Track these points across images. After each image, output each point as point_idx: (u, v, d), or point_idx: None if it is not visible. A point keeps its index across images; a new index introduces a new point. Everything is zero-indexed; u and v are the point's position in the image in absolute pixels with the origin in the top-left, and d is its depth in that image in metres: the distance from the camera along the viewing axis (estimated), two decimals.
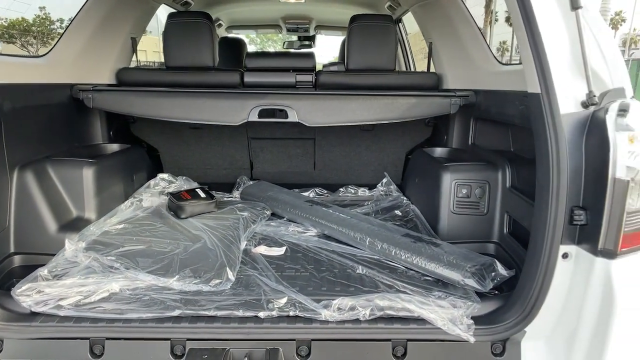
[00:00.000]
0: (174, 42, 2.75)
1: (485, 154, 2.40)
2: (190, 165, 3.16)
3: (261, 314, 1.57)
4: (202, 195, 2.50)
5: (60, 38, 2.48)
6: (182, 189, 2.59)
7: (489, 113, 2.37)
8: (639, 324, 1.34)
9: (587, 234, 1.35)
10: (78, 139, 2.58)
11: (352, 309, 1.57)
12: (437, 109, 2.54)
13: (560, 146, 1.34)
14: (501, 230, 2.16)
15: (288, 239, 2.28)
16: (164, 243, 2.03)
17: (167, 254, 1.93)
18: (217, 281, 1.73)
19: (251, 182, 3.04)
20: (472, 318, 1.55)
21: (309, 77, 2.77)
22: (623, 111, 1.25)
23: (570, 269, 1.41)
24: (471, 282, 1.73)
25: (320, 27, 5.40)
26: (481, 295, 1.70)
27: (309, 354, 1.54)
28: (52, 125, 2.31)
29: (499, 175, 2.17)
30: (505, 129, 2.26)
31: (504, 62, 2.56)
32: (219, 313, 1.58)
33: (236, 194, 2.91)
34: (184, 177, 2.89)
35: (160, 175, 2.81)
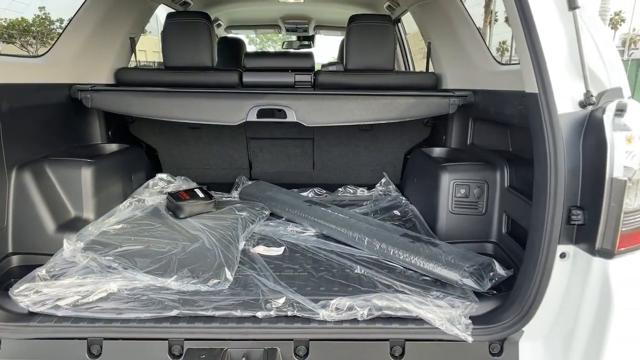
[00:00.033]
0: (172, 42, 2.74)
1: (484, 154, 2.40)
2: (189, 165, 3.16)
3: (259, 314, 1.57)
4: (201, 195, 2.50)
5: (58, 38, 2.48)
6: (181, 189, 2.59)
7: (488, 113, 2.37)
8: (637, 324, 1.34)
9: (584, 234, 1.35)
10: (76, 139, 2.58)
11: (350, 308, 1.57)
12: (436, 109, 2.54)
13: (558, 146, 1.34)
14: (499, 230, 2.16)
15: (287, 238, 2.28)
16: (162, 243, 2.03)
17: (165, 254, 1.93)
18: (215, 281, 1.73)
19: (250, 182, 3.04)
20: (470, 318, 1.54)
21: (307, 77, 2.77)
22: (620, 111, 1.25)
23: (567, 269, 1.41)
24: (469, 282, 1.73)
25: (320, 27, 5.40)
26: (479, 295, 1.70)
27: (307, 354, 1.54)
28: (50, 125, 2.31)
29: (498, 175, 2.17)
30: (504, 129, 2.26)
31: (503, 62, 2.57)
32: (217, 313, 1.58)
33: (235, 194, 2.91)
34: (183, 177, 2.89)
35: (159, 175, 2.81)
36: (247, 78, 2.76)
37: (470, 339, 1.48)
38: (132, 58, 3.07)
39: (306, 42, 5.85)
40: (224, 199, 2.82)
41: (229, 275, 1.79)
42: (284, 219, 2.53)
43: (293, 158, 3.21)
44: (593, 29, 1.39)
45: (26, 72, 2.16)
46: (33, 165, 2.05)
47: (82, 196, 2.17)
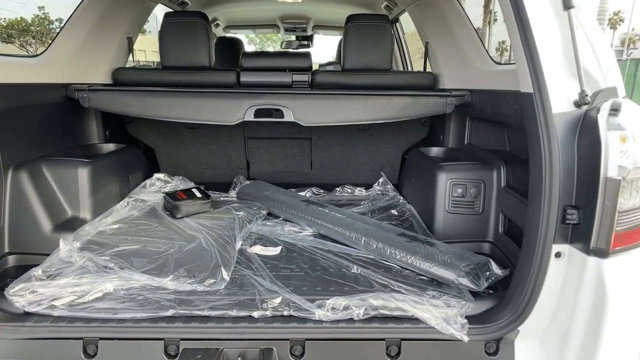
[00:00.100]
0: (170, 42, 2.74)
1: (481, 154, 2.40)
2: (187, 165, 3.16)
3: (255, 314, 1.57)
4: (198, 195, 2.50)
5: (55, 37, 2.48)
6: (178, 189, 2.59)
7: (485, 113, 2.38)
8: (631, 322, 1.34)
9: (579, 233, 1.36)
10: (73, 138, 2.58)
11: (346, 308, 1.57)
12: (433, 109, 2.54)
13: (553, 145, 1.34)
14: (496, 230, 2.16)
15: (284, 238, 2.28)
16: (159, 243, 2.03)
17: (161, 253, 1.93)
18: (212, 281, 1.73)
19: (248, 182, 3.04)
20: (466, 317, 1.55)
21: (305, 77, 2.77)
22: (615, 110, 1.26)
23: (563, 268, 1.41)
24: (465, 282, 1.73)
25: (318, 26, 5.40)
26: (475, 295, 1.70)
27: (302, 354, 1.54)
28: (47, 125, 2.31)
29: (494, 175, 2.17)
30: (501, 129, 2.26)
31: (503, 61, 2.57)
32: (213, 313, 1.58)
33: (233, 193, 2.91)
34: (180, 177, 2.89)
35: (156, 175, 2.81)
36: (245, 78, 2.76)
37: (466, 339, 1.49)
38: (130, 58, 3.07)
39: (305, 42, 5.85)
40: (221, 198, 2.82)
41: (226, 275, 1.79)
42: (281, 218, 2.53)
43: (291, 158, 3.21)
44: (588, 29, 1.39)
45: (23, 72, 2.16)
46: (30, 165, 2.05)
47: (79, 196, 2.17)
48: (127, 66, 3.01)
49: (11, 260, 1.96)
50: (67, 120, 2.52)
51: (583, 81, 1.34)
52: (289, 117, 2.48)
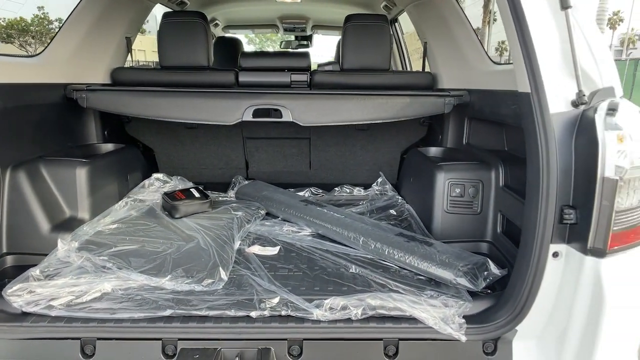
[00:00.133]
0: (168, 41, 2.74)
1: (479, 154, 2.40)
2: (186, 165, 3.16)
3: (253, 314, 1.57)
4: (197, 195, 2.50)
5: (54, 37, 2.48)
6: (177, 189, 2.59)
7: (483, 113, 2.38)
8: (628, 322, 1.34)
9: (577, 233, 1.36)
10: (72, 138, 2.58)
11: (344, 308, 1.57)
12: (431, 109, 2.54)
13: (550, 145, 1.34)
14: (494, 230, 2.16)
15: (282, 238, 2.28)
16: (157, 243, 2.03)
17: (160, 253, 1.93)
18: (210, 281, 1.73)
19: (246, 182, 3.04)
20: (464, 317, 1.55)
21: (303, 77, 2.77)
22: (612, 110, 1.26)
23: (560, 268, 1.41)
24: (463, 281, 1.73)
25: (317, 26, 5.40)
26: (473, 295, 1.70)
27: (300, 354, 1.54)
28: (45, 125, 2.31)
29: (492, 175, 2.17)
30: (499, 129, 2.26)
31: (502, 61, 2.57)
32: (211, 313, 1.58)
33: (231, 193, 2.91)
34: (179, 177, 2.89)
35: (155, 175, 2.81)
36: (243, 78, 2.76)
37: (463, 338, 1.49)
38: (129, 58, 3.07)
39: (304, 42, 5.85)
40: (220, 198, 2.82)
41: (224, 275, 1.79)
42: (279, 218, 2.53)
43: (290, 158, 3.21)
44: (585, 29, 1.39)
45: (21, 72, 2.15)
46: (28, 165, 2.05)
47: (77, 196, 2.17)
48: (125, 66, 3.01)
49: (9, 260, 1.96)
50: (66, 120, 2.52)
51: (580, 81, 1.34)
52: (287, 117, 2.48)
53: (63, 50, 2.46)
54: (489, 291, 1.76)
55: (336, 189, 2.98)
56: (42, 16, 38.25)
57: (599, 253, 1.30)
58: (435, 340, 1.54)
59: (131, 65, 3.60)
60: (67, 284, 1.66)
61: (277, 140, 3.14)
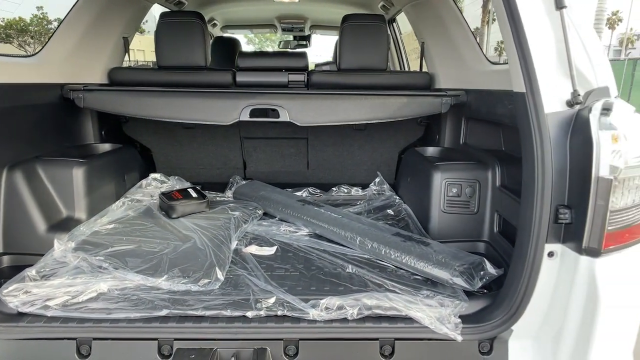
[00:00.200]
0: (165, 41, 2.74)
1: (476, 153, 2.40)
2: (184, 165, 3.16)
3: (249, 314, 1.57)
4: (194, 195, 2.50)
5: (51, 37, 2.48)
6: (174, 189, 2.59)
7: (480, 112, 2.38)
8: (623, 322, 1.35)
9: (572, 233, 1.36)
10: (69, 139, 2.57)
11: (340, 308, 1.57)
12: (428, 109, 2.55)
13: (545, 145, 1.34)
14: (491, 229, 2.16)
15: (279, 238, 2.28)
16: (153, 243, 2.03)
17: (156, 253, 1.93)
18: (206, 281, 1.73)
19: (244, 182, 3.04)
20: (460, 317, 1.55)
21: (301, 77, 2.77)
22: (606, 110, 1.26)
23: (555, 268, 1.41)
24: (459, 281, 1.73)
25: (316, 26, 5.40)
26: (469, 294, 1.70)
27: (296, 354, 1.54)
28: (42, 125, 2.31)
29: (489, 175, 2.17)
30: (496, 128, 2.27)
31: (501, 61, 2.57)
32: (207, 313, 1.58)
33: (229, 193, 2.91)
34: (177, 177, 2.89)
35: (152, 175, 2.81)
36: (241, 78, 2.76)
37: (459, 338, 1.49)
38: (126, 58, 3.06)
39: (303, 42, 5.85)
40: (217, 198, 2.82)
41: (220, 275, 1.79)
42: (277, 218, 2.53)
43: (287, 158, 3.21)
44: (580, 29, 1.39)
45: (18, 72, 2.15)
46: (24, 165, 2.05)
47: (74, 196, 2.17)
48: (123, 66, 3.01)
49: (5, 260, 1.96)
50: (63, 120, 2.51)
51: (575, 81, 1.34)
52: (284, 117, 2.48)
53: (60, 50, 2.46)
54: (485, 291, 1.76)
55: (334, 188, 2.98)
56: (41, 16, 38.23)
57: (594, 253, 1.30)
58: (431, 340, 1.54)
59: (129, 65, 3.60)
60: (63, 284, 1.66)
61: (274, 140, 3.14)
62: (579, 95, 1.33)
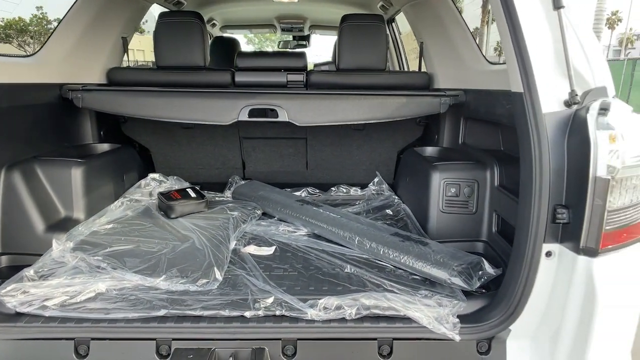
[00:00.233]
0: (164, 41, 2.74)
1: (475, 153, 2.40)
2: (183, 165, 3.16)
3: (247, 314, 1.57)
4: (193, 194, 2.50)
5: (49, 37, 2.48)
6: (173, 189, 2.59)
7: (478, 112, 2.38)
8: (621, 321, 1.35)
9: (569, 233, 1.36)
10: (68, 139, 2.57)
11: (338, 308, 1.57)
12: (427, 109, 2.55)
13: (543, 145, 1.34)
14: (490, 229, 2.16)
15: (278, 238, 2.28)
16: (152, 243, 2.03)
17: (155, 253, 1.93)
18: (204, 281, 1.73)
19: (243, 182, 3.04)
20: (458, 317, 1.55)
21: (300, 77, 2.77)
22: (604, 110, 1.26)
23: (553, 268, 1.41)
24: (457, 281, 1.73)
25: (315, 26, 5.40)
26: (467, 294, 1.70)
27: (294, 354, 1.54)
28: (40, 125, 2.31)
29: (488, 175, 2.17)
30: (495, 128, 2.27)
31: (501, 61, 2.57)
32: (205, 313, 1.58)
33: (228, 193, 2.91)
34: (175, 177, 2.89)
35: (151, 175, 2.81)
36: (240, 78, 2.76)
37: (457, 338, 1.49)
38: (125, 58, 3.06)
39: (302, 42, 5.85)
40: (216, 198, 2.82)
41: (218, 275, 1.79)
42: (276, 218, 2.53)
43: (286, 158, 3.21)
44: (578, 29, 1.39)
45: (16, 72, 2.15)
46: (23, 165, 2.05)
47: (72, 196, 2.17)
48: (122, 66, 3.01)
49: (3, 260, 1.96)
50: (61, 120, 2.51)
51: (573, 81, 1.34)
52: (283, 117, 2.48)
53: (59, 50, 2.46)
54: (484, 291, 1.76)
55: (333, 188, 2.98)
56: (41, 16, 38.23)
57: (592, 252, 1.30)
58: (429, 339, 1.54)
59: (128, 65, 3.60)
60: (62, 284, 1.66)
61: (273, 140, 3.14)
62: (576, 95, 1.33)
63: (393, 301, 1.59)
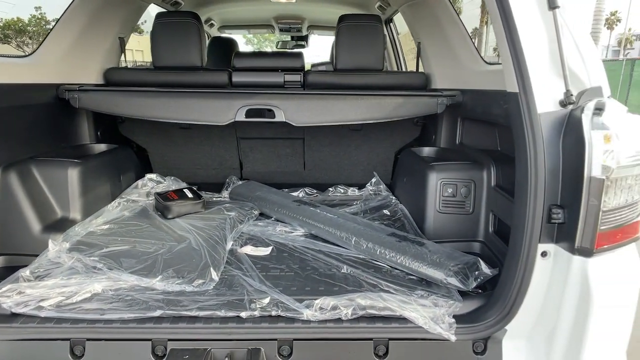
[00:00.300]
0: (161, 42, 2.74)
1: (472, 154, 2.40)
2: (180, 165, 3.16)
3: (243, 314, 1.57)
4: (189, 195, 2.50)
5: (46, 37, 2.47)
6: (170, 189, 2.59)
7: (475, 112, 2.38)
8: (616, 321, 1.35)
9: (564, 233, 1.36)
10: (64, 139, 2.57)
11: (334, 308, 1.57)
12: (424, 109, 2.55)
13: (538, 145, 1.34)
14: (486, 229, 2.16)
15: (275, 238, 2.28)
16: (148, 243, 2.03)
17: (151, 254, 1.93)
18: (200, 281, 1.73)
19: (240, 182, 3.03)
20: (454, 317, 1.55)
21: (297, 77, 2.77)
22: (599, 110, 1.26)
23: (549, 268, 1.41)
24: (454, 281, 1.73)
25: (313, 27, 5.41)
26: (463, 294, 1.70)
27: (290, 354, 1.54)
28: (37, 126, 2.30)
29: (484, 175, 2.18)
30: (491, 128, 2.27)
31: (498, 61, 2.57)
32: (201, 313, 1.57)
33: (225, 194, 2.91)
34: (172, 177, 2.88)
35: (148, 176, 2.80)
36: (237, 78, 2.76)
37: (453, 338, 1.49)
38: (122, 58, 3.06)
39: (300, 42, 5.85)
40: (213, 199, 2.81)
41: (215, 275, 1.78)
42: (273, 218, 2.53)
43: (284, 158, 3.21)
44: (573, 29, 1.40)
45: (12, 72, 2.15)
46: (19, 166, 2.05)
47: (69, 197, 2.16)
48: (119, 66, 3.00)
49: (0, 261, 1.96)
50: (58, 121, 2.51)
51: (568, 81, 1.34)
52: (280, 117, 2.48)
53: (55, 51, 2.45)
54: (480, 291, 1.76)
55: (330, 189, 2.98)
56: (40, 16, 38.18)
57: (587, 252, 1.30)
58: (425, 339, 1.54)
59: (125, 65, 3.60)
60: (57, 284, 1.65)
61: (271, 140, 3.14)
62: (571, 95, 1.33)
63: (389, 301, 1.59)
